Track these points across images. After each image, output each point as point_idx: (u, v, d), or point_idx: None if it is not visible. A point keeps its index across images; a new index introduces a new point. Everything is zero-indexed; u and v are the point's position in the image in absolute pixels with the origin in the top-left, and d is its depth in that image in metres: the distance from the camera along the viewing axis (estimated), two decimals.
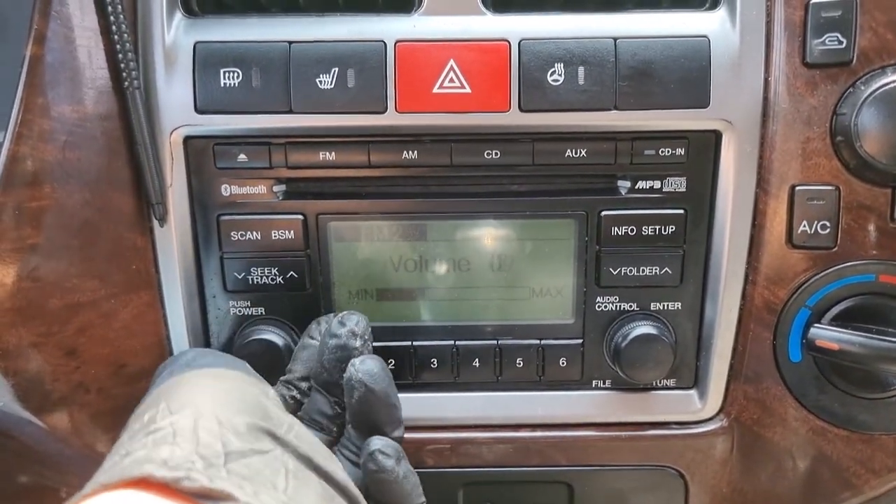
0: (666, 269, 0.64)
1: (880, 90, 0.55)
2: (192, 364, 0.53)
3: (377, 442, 0.55)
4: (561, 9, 0.60)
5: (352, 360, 0.57)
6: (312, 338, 0.62)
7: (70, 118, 0.56)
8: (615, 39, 0.59)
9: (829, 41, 0.57)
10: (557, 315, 0.66)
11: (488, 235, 0.64)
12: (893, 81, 0.55)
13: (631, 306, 0.65)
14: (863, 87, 0.56)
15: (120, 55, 0.56)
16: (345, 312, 0.59)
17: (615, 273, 0.64)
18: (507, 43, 0.59)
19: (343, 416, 0.59)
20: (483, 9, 0.59)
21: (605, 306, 0.65)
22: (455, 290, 0.65)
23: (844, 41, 0.56)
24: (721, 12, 0.60)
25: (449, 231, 0.64)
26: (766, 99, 0.59)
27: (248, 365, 0.56)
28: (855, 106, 0.56)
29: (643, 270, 0.64)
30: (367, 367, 0.56)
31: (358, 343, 0.58)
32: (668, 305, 0.65)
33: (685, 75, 0.59)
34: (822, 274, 0.61)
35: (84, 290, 0.59)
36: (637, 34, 0.59)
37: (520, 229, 0.64)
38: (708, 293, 0.65)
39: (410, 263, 0.65)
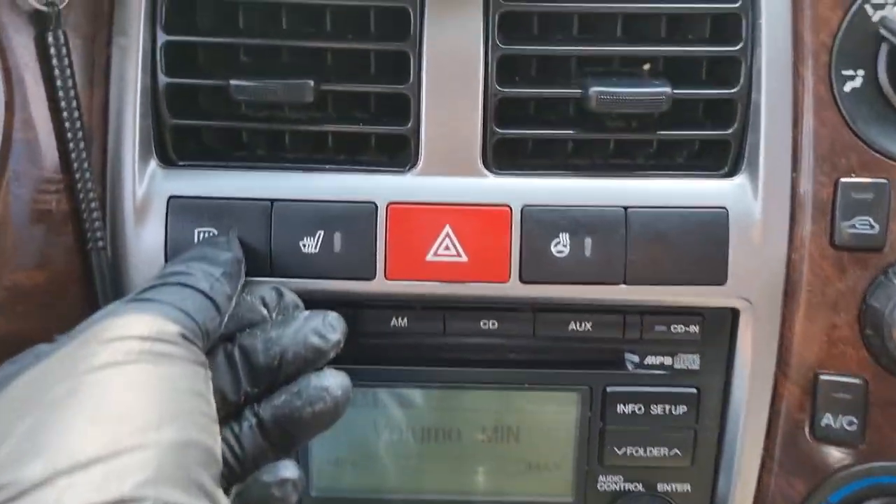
0: (676, 450, 0.58)
1: None
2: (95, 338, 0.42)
3: (292, 471, 0.49)
4: (568, 171, 0.56)
5: (326, 370, 0.50)
6: (266, 306, 0.52)
7: (22, 286, 0.51)
8: (626, 209, 0.54)
9: (860, 224, 0.52)
10: (555, 493, 0.60)
11: (482, 405, 0.59)
12: None
13: (636, 486, 0.60)
14: (893, 282, 0.51)
15: (84, 213, 0.52)
16: (330, 315, 0.51)
17: (620, 452, 0.58)
18: (508, 209, 0.54)
19: (240, 404, 0.49)
20: (483, 169, 0.55)
21: (609, 486, 0.60)
22: (444, 461, 0.60)
23: (877, 226, 0.52)
24: (741, 180, 0.55)
25: (439, 399, 0.59)
26: (788, 278, 0.55)
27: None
28: (890, 300, 0.51)
29: (650, 451, 0.58)
30: (345, 385, 0.50)
31: (332, 354, 0.50)
32: (676, 487, 0.59)
33: (701, 249, 0.54)
34: (848, 471, 0.55)
35: None
36: (649, 203, 0.54)
37: (517, 401, 0.59)
38: (720, 477, 0.59)
39: (395, 431, 0.59)
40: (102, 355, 0.39)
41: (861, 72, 0.52)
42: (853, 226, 0.52)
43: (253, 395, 0.49)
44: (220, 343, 0.49)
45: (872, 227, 0.52)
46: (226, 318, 0.48)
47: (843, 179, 0.53)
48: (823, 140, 0.53)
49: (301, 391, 0.49)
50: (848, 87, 0.53)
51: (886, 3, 0.51)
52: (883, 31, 0.50)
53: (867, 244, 0.52)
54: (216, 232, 0.53)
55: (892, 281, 0.52)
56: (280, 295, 0.51)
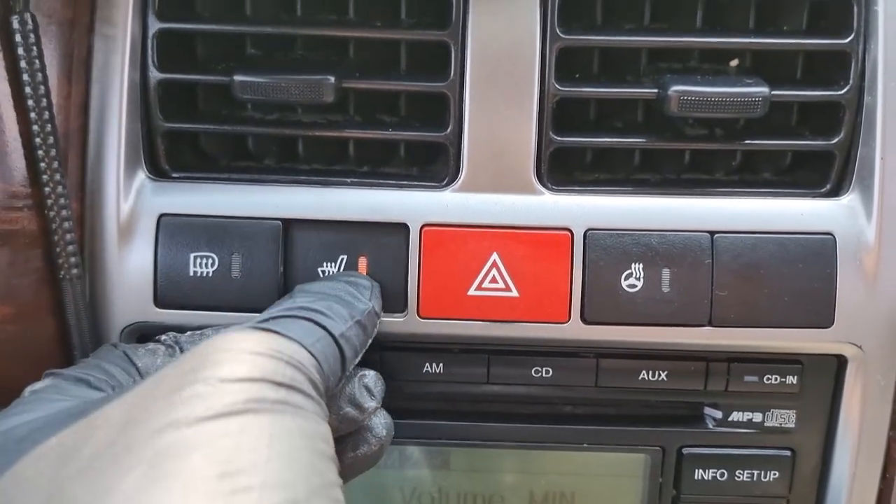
0: None
1: None
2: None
3: None
4: (638, 189, 0.47)
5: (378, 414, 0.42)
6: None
7: None
8: (712, 234, 0.45)
9: None
10: None
11: (531, 468, 0.50)
12: None
13: None
14: None
15: (55, 236, 0.42)
16: (368, 375, 0.42)
17: None
18: (569, 233, 0.45)
19: None
20: (539, 185, 0.45)
21: None
22: None
23: None
24: (850, 200, 0.46)
25: (479, 460, 0.49)
26: None
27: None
28: None
29: None
30: (389, 424, 0.42)
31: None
32: None
33: (803, 284, 0.45)
34: None
35: None
36: (740, 227, 0.45)
37: (574, 463, 0.49)
38: None
39: (427, 498, 0.50)
40: (221, 398, 0.31)
41: None
42: None
43: None
44: None
45: None
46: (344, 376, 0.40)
47: None
48: None
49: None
50: None
51: None
52: None
53: None
54: (216, 258, 0.45)
55: None
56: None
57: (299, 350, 0.35)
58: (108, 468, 0.30)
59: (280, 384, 0.32)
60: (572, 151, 0.48)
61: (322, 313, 0.38)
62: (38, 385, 0.37)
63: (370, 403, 0.40)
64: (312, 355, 0.35)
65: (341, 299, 0.41)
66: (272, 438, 0.30)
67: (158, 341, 0.43)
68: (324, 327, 0.38)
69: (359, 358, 0.40)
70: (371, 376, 0.41)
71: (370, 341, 0.42)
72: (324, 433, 0.33)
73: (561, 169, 0.47)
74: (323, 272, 0.45)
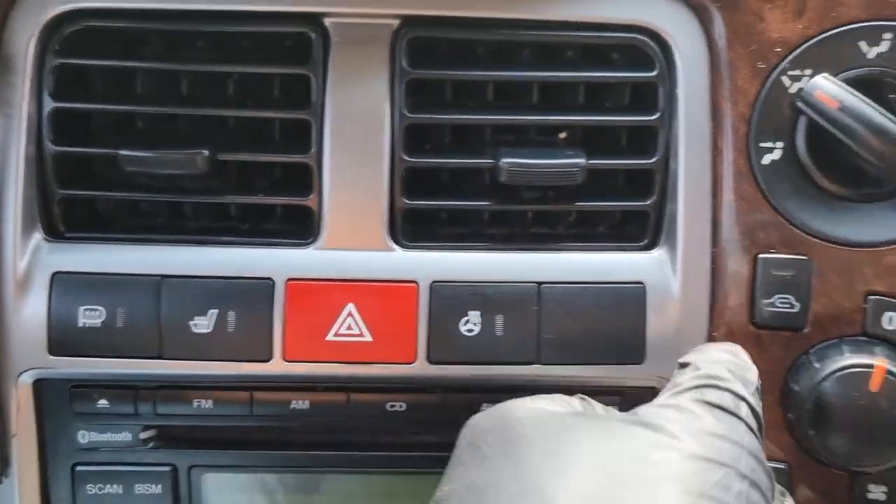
0: None
1: (839, 374, 0.48)
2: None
3: None
4: (483, 244, 0.53)
5: None
6: None
7: None
8: (539, 284, 0.51)
9: (781, 303, 0.50)
10: None
11: (395, 490, 0.56)
12: (853, 366, 0.48)
13: None
14: (817, 364, 0.49)
15: None
16: None
17: None
18: (415, 285, 0.51)
19: None
20: (391, 243, 0.52)
21: None
22: None
23: (798, 305, 0.50)
24: (659, 253, 0.53)
25: (346, 485, 0.55)
26: None
27: None
28: (810, 388, 0.48)
29: None
30: None
31: None
32: None
33: (618, 327, 0.51)
34: None
35: None
36: (565, 278, 0.52)
37: (429, 486, 0.55)
38: None
39: None
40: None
41: (780, 144, 0.51)
42: (773, 304, 0.50)
43: None
44: None
45: (793, 306, 0.50)
46: None
47: (762, 255, 0.51)
48: (742, 214, 0.51)
49: None
50: (766, 160, 0.51)
51: (803, 76, 0.49)
52: (800, 104, 0.49)
53: (788, 323, 0.50)
54: (103, 311, 0.50)
55: (814, 364, 0.49)
56: None
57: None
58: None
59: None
60: (432, 211, 0.54)
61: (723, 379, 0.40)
62: None
63: None
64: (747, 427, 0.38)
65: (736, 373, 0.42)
66: None
67: None
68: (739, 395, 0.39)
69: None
70: None
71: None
72: None
73: (423, 226, 0.54)
74: (195, 325, 0.50)
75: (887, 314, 0.49)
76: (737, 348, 0.44)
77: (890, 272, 0.50)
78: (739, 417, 0.38)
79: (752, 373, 0.42)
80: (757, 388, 0.41)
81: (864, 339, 0.49)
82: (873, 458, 0.48)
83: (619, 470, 0.35)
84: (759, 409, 0.40)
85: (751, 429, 0.38)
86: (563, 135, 0.54)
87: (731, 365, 0.42)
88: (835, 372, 0.49)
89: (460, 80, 0.53)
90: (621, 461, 0.36)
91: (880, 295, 0.50)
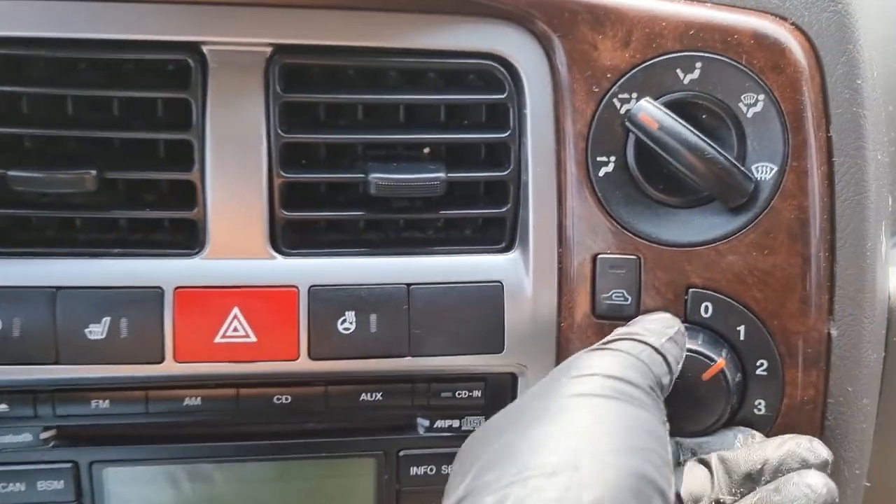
0: None
1: None
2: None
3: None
4: (358, 249, 0.59)
5: (809, 470, 0.50)
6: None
7: None
8: (409, 286, 0.58)
9: (616, 296, 0.58)
10: None
11: (282, 475, 0.61)
12: (689, 351, 0.55)
13: None
14: None
15: None
16: (814, 441, 0.52)
17: None
18: (295, 289, 0.56)
19: None
20: (272, 251, 0.57)
21: None
22: None
23: (630, 298, 0.58)
24: (514, 255, 0.60)
25: (239, 473, 0.61)
26: (559, 345, 0.59)
27: None
28: None
29: None
30: (830, 485, 0.49)
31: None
32: None
33: (480, 321, 0.58)
34: None
35: None
36: (431, 279, 0.58)
37: (316, 469, 0.61)
38: None
39: None
40: (572, 386, 0.46)
41: (613, 158, 0.58)
42: (610, 297, 0.58)
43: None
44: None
45: (626, 298, 0.58)
46: (673, 379, 0.51)
47: (600, 256, 0.58)
48: (582, 219, 0.58)
49: (780, 487, 0.49)
50: (602, 172, 0.58)
51: (630, 98, 0.57)
52: (628, 124, 0.56)
53: (622, 314, 0.58)
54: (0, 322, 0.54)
55: None
56: None
57: (630, 358, 0.48)
58: (493, 436, 0.44)
59: (610, 377, 0.46)
60: (311, 221, 0.59)
61: (640, 333, 0.51)
62: None
63: (822, 452, 0.51)
64: (640, 360, 0.49)
65: (652, 326, 0.53)
66: (603, 413, 0.43)
67: None
68: (643, 342, 0.50)
69: (679, 366, 0.52)
70: (817, 442, 0.51)
71: (683, 355, 0.53)
72: (649, 416, 0.45)
73: (304, 234, 0.59)
74: (90, 332, 0.54)
75: (704, 304, 0.57)
76: (664, 315, 0.57)
77: (706, 269, 0.58)
78: (634, 355, 0.49)
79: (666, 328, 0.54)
80: (670, 338, 0.52)
81: (687, 325, 0.58)
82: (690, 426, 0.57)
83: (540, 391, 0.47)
84: (663, 350, 0.51)
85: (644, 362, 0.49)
86: (426, 150, 0.60)
87: (649, 324, 0.54)
88: None
89: (332, 103, 0.58)
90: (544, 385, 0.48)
91: (698, 288, 0.57)
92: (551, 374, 0.49)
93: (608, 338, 0.53)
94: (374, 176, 0.56)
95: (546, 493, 0.38)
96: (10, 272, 0.54)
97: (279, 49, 0.56)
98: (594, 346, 0.52)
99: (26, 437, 0.57)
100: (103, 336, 0.54)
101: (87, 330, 0.54)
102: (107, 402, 0.57)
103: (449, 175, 0.57)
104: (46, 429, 0.57)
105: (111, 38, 0.55)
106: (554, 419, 0.43)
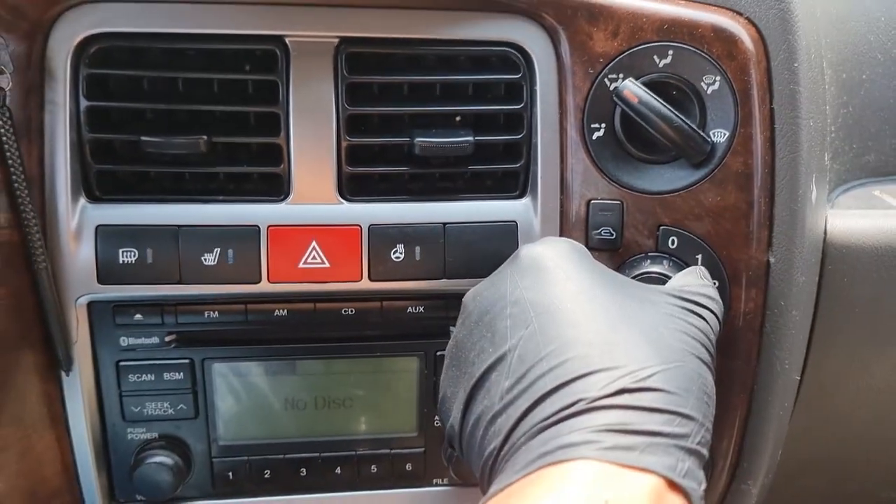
0: None
1: (643, 276, 0.73)
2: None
3: None
4: (405, 196, 0.75)
5: None
6: None
7: None
8: (444, 225, 0.74)
9: (605, 232, 0.74)
10: (405, 429, 0.82)
11: (350, 369, 0.79)
12: (652, 273, 0.73)
13: None
14: (628, 271, 0.74)
15: (30, 243, 0.67)
16: None
17: None
18: (359, 227, 0.73)
19: None
20: (340, 199, 0.73)
21: None
22: (320, 412, 0.80)
23: (615, 233, 0.74)
24: (526, 201, 0.76)
25: (314, 367, 0.79)
26: None
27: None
28: None
29: None
30: None
31: None
32: None
33: (498, 251, 0.74)
34: None
35: (1, 437, 0.69)
36: (461, 220, 0.74)
37: (373, 365, 0.79)
38: None
39: (282, 392, 0.79)
40: (665, 307, 0.60)
41: (603, 125, 0.74)
42: (600, 233, 0.75)
43: None
44: None
45: (612, 234, 0.74)
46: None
47: (593, 201, 0.75)
48: (579, 174, 0.74)
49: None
50: (595, 136, 0.74)
51: (618, 78, 0.72)
52: (615, 98, 0.72)
53: (609, 246, 0.74)
54: (136, 251, 0.70)
55: (626, 271, 0.74)
56: None
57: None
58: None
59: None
60: (367, 175, 0.76)
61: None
62: None
63: None
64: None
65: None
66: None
67: None
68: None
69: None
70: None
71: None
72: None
73: (362, 185, 0.75)
74: (205, 259, 0.71)
75: (671, 238, 0.74)
76: (704, 272, 0.71)
77: (673, 211, 0.74)
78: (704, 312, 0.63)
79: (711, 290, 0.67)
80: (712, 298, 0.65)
81: (657, 254, 0.75)
82: None
83: (624, 291, 0.61)
84: (715, 309, 0.64)
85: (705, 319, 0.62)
86: (458, 119, 0.76)
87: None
88: (639, 274, 0.74)
89: (385, 83, 0.74)
90: (626, 285, 0.63)
91: (667, 226, 0.74)
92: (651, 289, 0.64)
93: (692, 296, 0.63)
94: (418, 140, 0.72)
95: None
96: (142, 213, 0.71)
97: (345, 40, 0.71)
98: (683, 294, 0.63)
99: (154, 340, 0.75)
100: (215, 262, 0.71)
101: (202, 258, 0.71)
102: (216, 312, 0.74)
103: (476, 138, 0.73)
104: (169, 333, 0.75)
105: (213, 32, 0.70)
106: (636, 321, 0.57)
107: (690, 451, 0.50)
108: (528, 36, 0.73)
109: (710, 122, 0.73)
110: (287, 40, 0.71)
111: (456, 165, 0.76)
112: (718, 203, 0.73)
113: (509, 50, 0.74)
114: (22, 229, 0.67)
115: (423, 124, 0.75)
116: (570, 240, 0.68)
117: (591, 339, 0.53)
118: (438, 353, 0.79)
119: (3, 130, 0.64)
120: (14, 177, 0.66)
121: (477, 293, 0.65)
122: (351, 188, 0.74)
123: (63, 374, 0.72)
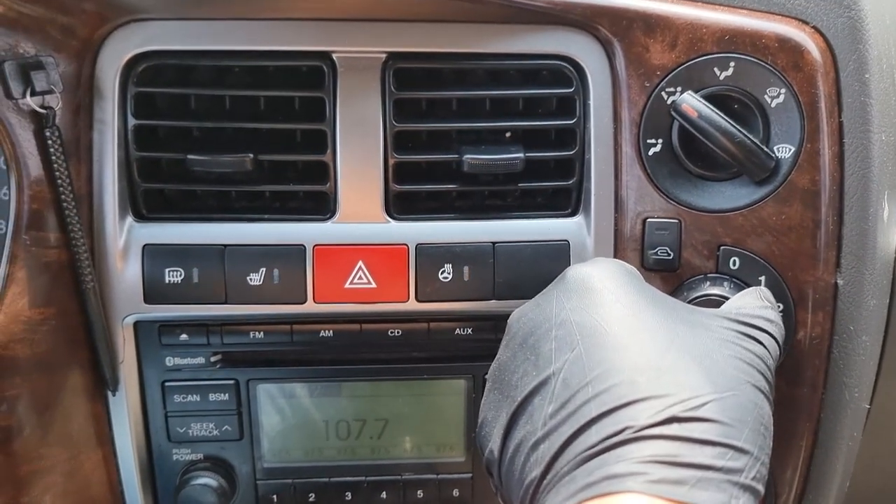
0: None
1: (702, 299, 0.69)
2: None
3: None
4: (453, 215, 0.73)
5: None
6: None
7: (36, 319, 0.66)
8: (494, 244, 0.72)
9: (661, 252, 0.71)
10: (453, 455, 0.79)
11: (395, 392, 0.77)
12: (712, 295, 0.69)
13: None
14: (686, 293, 0.71)
15: (78, 262, 0.67)
16: None
17: None
18: (406, 247, 0.71)
19: None
20: (387, 217, 0.72)
21: None
22: (366, 435, 0.78)
23: (672, 253, 0.71)
24: (578, 219, 0.74)
25: (360, 389, 0.77)
26: None
27: None
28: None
29: None
30: None
31: None
32: None
33: (550, 271, 0.71)
34: None
35: (49, 456, 0.69)
36: (511, 239, 0.72)
37: (420, 387, 0.77)
38: None
39: (327, 414, 0.78)
40: (719, 331, 0.57)
41: (660, 140, 0.71)
42: (656, 253, 0.72)
43: None
44: None
45: (669, 254, 0.71)
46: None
47: (649, 219, 0.72)
48: (634, 191, 0.72)
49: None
50: (651, 152, 0.71)
51: (675, 91, 0.69)
52: (673, 113, 0.69)
53: (667, 267, 0.72)
54: (182, 271, 0.70)
55: (684, 293, 0.71)
56: None
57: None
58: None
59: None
60: (414, 192, 0.74)
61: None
62: None
63: None
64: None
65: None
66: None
67: None
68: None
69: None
70: None
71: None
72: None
73: (409, 202, 0.73)
74: (250, 279, 0.70)
75: (732, 258, 0.71)
76: (765, 292, 0.67)
77: (735, 230, 0.71)
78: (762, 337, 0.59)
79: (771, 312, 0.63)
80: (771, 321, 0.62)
81: (717, 275, 0.71)
82: None
83: (676, 314, 0.57)
84: (775, 333, 0.61)
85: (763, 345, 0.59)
86: (508, 134, 0.74)
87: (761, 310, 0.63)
88: (699, 297, 0.71)
89: (433, 98, 0.72)
90: (677, 308, 0.59)
91: (728, 245, 0.71)
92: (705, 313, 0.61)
93: (749, 319, 0.60)
94: (467, 157, 0.70)
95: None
96: (188, 232, 0.71)
97: (392, 56, 0.70)
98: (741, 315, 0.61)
99: (200, 360, 0.74)
100: (260, 282, 0.70)
101: (248, 277, 0.70)
102: (261, 333, 0.73)
103: (527, 155, 0.71)
104: (215, 353, 0.74)
105: (260, 49, 0.70)
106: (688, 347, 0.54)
107: (745, 487, 0.47)
108: (581, 48, 0.71)
109: (775, 136, 0.69)
110: (334, 56, 0.70)
111: (505, 183, 0.74)
112: (783, 222, 0.69)
113: (562, 63, 0.71)
114: (70, 249, 0.67)
115: (471, 140, 0.73)
116: (619, 261, 0.65)
117: (640, 364, 0.51)
118: (486, 376, 0.76)
119: (52, 150, 0.64)
120: (63, 196, 0.66)
121: (522, 314, 0.63)
122: (398, 206, 0.72)
123: (109, 393, 0.72)
